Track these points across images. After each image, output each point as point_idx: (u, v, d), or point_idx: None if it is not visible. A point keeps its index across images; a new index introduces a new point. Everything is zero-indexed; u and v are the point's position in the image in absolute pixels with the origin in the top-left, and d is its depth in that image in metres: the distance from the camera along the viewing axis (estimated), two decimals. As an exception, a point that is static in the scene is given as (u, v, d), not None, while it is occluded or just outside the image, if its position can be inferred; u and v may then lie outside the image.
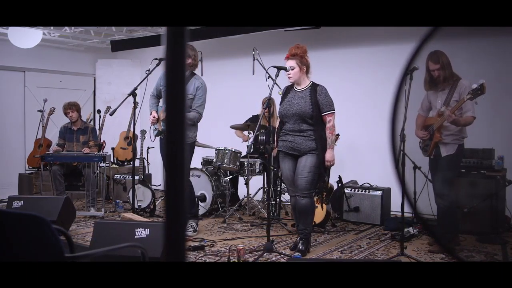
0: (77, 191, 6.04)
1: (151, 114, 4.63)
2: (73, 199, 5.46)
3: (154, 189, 5.93)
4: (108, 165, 6.01)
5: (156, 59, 4.54)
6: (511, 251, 4.19)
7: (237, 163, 5.64)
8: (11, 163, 7.44)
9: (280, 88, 4.31)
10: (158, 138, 4.70)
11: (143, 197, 5.75)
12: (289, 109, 4.00)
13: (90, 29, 7.42)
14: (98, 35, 7.77)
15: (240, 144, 6.06)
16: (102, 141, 6.68)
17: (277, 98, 4.48)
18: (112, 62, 8.42)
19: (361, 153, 6.13)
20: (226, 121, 6.24)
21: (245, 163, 5.63)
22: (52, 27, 6.97)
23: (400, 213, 3.81)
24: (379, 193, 5.31)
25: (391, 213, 5.47)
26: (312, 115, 3.93)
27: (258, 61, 5.22)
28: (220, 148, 5.64)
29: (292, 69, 3.99)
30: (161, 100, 4.73)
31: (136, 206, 5.36)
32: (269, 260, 3.92)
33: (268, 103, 4.11)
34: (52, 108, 6.73)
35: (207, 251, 4.15)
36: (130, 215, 4.42)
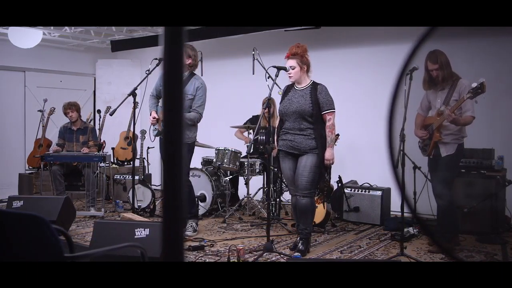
0: (77, 191, 6.04)
1: (150, 115, 4.63)
2: (73, 199, 5.46)
3: (154, 189, 5.93)
4: (108, 165, 6.01)
5: (156, 59, 4.54)
6: (511, 251, 4.19)
7: (237, 163, 5.64)
8: (11, 163, 7.44)
9: (280, 88, 4.31)
10: (158, 138, 4.70)
11: (143, 197, 5.75)
12: (289, 107, 4.01)
13: (90, 29, 7.43)
14: (98, 35, 7.77)
15: (240, 144, 6.06)
16: (102, 141, 6.69)
17: (277, 98, 4.48)
18: (112, 62, 8.42)
19: (361, 153, 6.13)
20: (226, 121, 6.24)
21: (245, 163, 5.63)
22: (52, 27, 6.97)
23: (400, 213, 3.81)
24: (379, 193, 5.31)
25: (391, 213, 5.47)
26: (312, 113, 3.93)
27: (258, 61, 5.22)
28: (220, 148, 5.64)
29: (293, 69, 4.00)
30: (160, 100, 4.73)
31: (136, 206, 5.36)
32: (268, 260, 3.92)
33: (268, 103, 4.11)
34: (52, 108, 6.73)
35: (207, 251, 4.15)
36: (130, 215, 4.42)
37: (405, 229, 4.41)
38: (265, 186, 5.54)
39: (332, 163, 4.05)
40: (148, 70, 4.69)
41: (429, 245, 4.30)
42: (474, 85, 3.65)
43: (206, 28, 6.41)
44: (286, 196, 5.74)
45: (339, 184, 5.46)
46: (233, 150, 5.61)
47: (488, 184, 4.58)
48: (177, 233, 0.65)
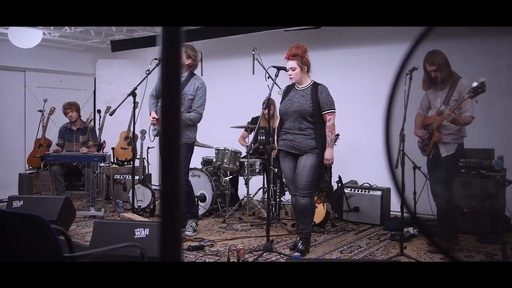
0: (77, 191, 6.04)
1: (150, 115, 4.63)
2: (73, 199, 5.47)
3: (154, 189, 5.93)
4: (108, 165, 6.01)
5: (156, 59, 4.54)
6: (511, 251, 4.18)
7: (237, 163, 5.64)
8: (11, 163, 7.44)
9: (280, 88, 4.31)
10: (157, 138, 4.70)
11: (143, 197, 5.75)
12: (289, 107, 4.01)
13: (90, 29, 7.43)
14: (98, 35, 7.77)
15: (240, 145, 6.07)
16: (102, 141, 6.69)
17: (277, 98, 4.48)
18: (112, 62, 8.42)
19: (361, 153, 6.13)
20: (226, 121, 6.24)
21: (245, 163, 5.63)
22: (52, 27, 6.97)
23: (399, 213, 3.81)
24: (379, 193, 5.31)
25: (391, 213, 5.47)
26: (312, 113, 3.93)
27: (258, 61, 5.22)
28: (220, 148, 5.64)
29: (293, 70, 4.00)
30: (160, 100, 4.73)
31: (136, 206, 5.36)
32: (268, 260, 3.92)
33: (268, 103, 4.11)
34: (52, 108, 6.73)
35: (207, 251, 4.15)
36: (130, 215, 4.42)
37: (405, 229, 4.41)
38: (265, 186, 5.54)
39: (332, 163, 4.05)
40: (148, 70, 4.69)
41: (428, 245, 4.30)
42: (474, 84, 3.64)
43: (206, 28, 6.41)
44: (286, 196, 5.74)
45: (339, 184, 5.46)
46: (233, 150, 5.61)
47: (488, 184, 4.58)
48: (175, 232, 0.65)
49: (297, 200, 4.00)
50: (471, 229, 4.46)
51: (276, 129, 4.33)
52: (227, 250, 3.97)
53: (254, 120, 5.96)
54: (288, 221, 5.29)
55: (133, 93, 4.68)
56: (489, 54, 5.09)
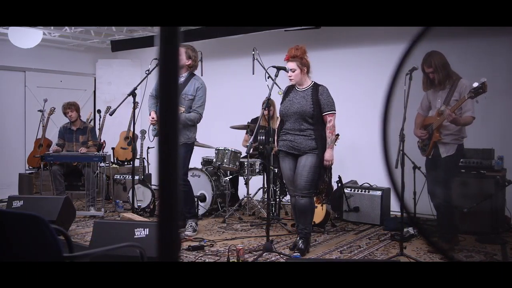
0: (77, 191, 6.04)
1: (150, 115, 4.63)
2: (73, 199, 5.47)
3: (154, 189, 5.93)
4: (108, 165, 6.01)
5: (156, 59, 4.52)
6: (511, 251, 4.18)
7: (237, 163, 5.64)
8: (11, 163, 7.44)
9: (280, 88, 4.31)
10: (157, 138, 4.70)
11: (143, 197, 5.75)
12: (290, 108, 4.01)
13: (90, 29, 7.42)
14: (98, 35, 7.77)
15: (240, 144, 6.06)
16: (102, 141, 6.69)
17: (277, 98, 4.47)
18: (112, 62, 8.42)
19: (361, 153, 6.12)
20: (226, 121, 6.23)
21: (245, 163, 5.63)
22: (52, 27, 6.97)
23: (399, 213, 3.81)
24: (379, 193, 5.31)
25: (391, 213, 5.47)
26: (312, 115, 3.93)
27: (258, 61, 5.22)
28: (220, 148, 5.64)
29: (293, 71, 4.00)
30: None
31: (136, 206, 5.36)
32: (268, 260, 3.92)
33: (267, 103, 4.11)
34: (52, 108, 6.73)
35: (207, 251, 4.15)
36: (130, 215, 4.42)
37: (405, 229, 4.41)
38: (265, 186, 5.54)
39: (331, 164, 4.05)
40: (148, 70, 4.69)
41: (428, 245, 4.30)
42: (475, 85, 3.64)
43: (206, 28, 6.41)
44: (287, 196, 5.73)
45: (339, 184, 5.46)
46: (233, 150, 5.61)
47: (488, 184, 4.58)
48: (173, 232, 0.65)
49: (297, 200, 4.00)
50: (471, 229, 4.46)
51: (276, 130, 4.33)
52: (227, 250, 3.97)
53: (254, 121, 5.96)
54: (288, 221, 5.29)
55: (133, 93, 4.68)
56: (489, 54, 5.09)
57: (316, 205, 4.30)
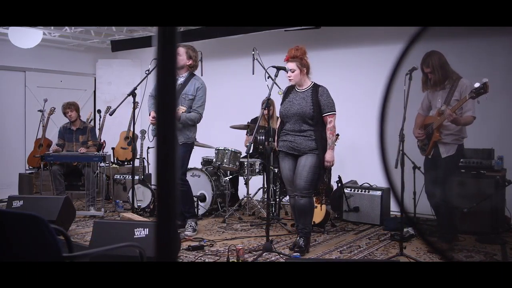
0: (77, 191, 6.05)
1: (150, 115, 4.63)
2: (73, 199, 5.47)
3: (154, 189, 5.93)
4: (108, 165, 6.01)
5: (155, 59, 4.53)
6: (511, 251, 4.18)
7: (237, 163, 5.64)
8: (11, 163, 7.44)
9: (280, 88, 4.30)
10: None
11: (143, 197, 5.75)
12: (290, 109, 4.01)
13: (90, 29, 7.43)
14: (98, 35, 7.77)
15: (240, 144, 6.06)
16: (102, 141, 6.69)
17: (276, 98, 4.47)
18: (112, 62, 8.42)
19: (361, 153, 6.12)
20: (226, 121, 6.23)
21: (245, 163, 5.63)
22: (52, 27, 6.97)
23: (399, 213, 3.81)
24: (378, 193, 5.31)
25: (391, 213, 5.47)
26: (313, 116, 3.93)
27: (258, 61, 5.22)
28: (220, 148, 5.64)
29: (293, 72, 4.00)
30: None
31: (136, 206, 5.36)
32: (268, 260, 3.92)
33: (267, 103, 4.11)
34: (52, 108, 6.73)
35: (207, 251, 4.15)
36: (129, 215, 4.42)
37: (405, 229, 4.41)
38: (265, 186, 5.54)
39: (332, 165, 4.05)
40: (148, 70, 4.69)
41: (427, 246, 4.29)
42: (476, 85, 3.62)
43: (206, 28, 6.41)
44: (287, 196, 5.74)
45: (339, 184, 5.46)
46: (233, 150, 5.61)
47: (488, 184, 4.58)
48: (171, 231, 0.65)
49: (296, 201, 4.00)
50: (471, 229, 4.46)
51: (276, 130, 4.33)
52: (227, 250, 3.97)
53: (254, 121, 5.97)
54: (288, 221, 5.29)
55: (133, 93, 4.68)
56: (489, 54, 5.08)
57: (315, 205, 4.30)
